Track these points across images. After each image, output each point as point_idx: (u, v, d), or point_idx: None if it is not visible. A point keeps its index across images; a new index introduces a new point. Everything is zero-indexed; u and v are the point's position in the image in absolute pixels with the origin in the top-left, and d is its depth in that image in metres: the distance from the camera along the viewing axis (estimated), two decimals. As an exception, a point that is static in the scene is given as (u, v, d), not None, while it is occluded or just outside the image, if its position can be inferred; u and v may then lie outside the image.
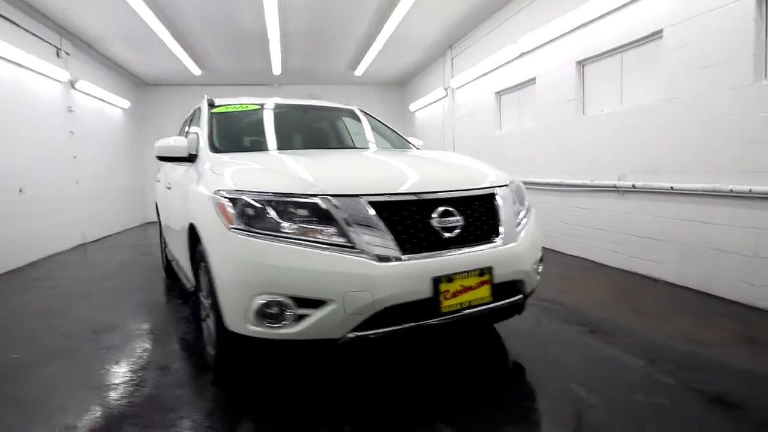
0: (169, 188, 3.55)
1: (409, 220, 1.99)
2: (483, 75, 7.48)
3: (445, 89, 9.15)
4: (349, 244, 1.85)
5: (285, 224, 1.89)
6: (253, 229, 1.89)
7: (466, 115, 8.26)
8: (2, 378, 2.43)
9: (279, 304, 1.84)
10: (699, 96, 3.61)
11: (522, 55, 6.22)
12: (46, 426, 1.95)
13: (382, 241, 1.88)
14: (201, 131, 3.02)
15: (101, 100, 8.42)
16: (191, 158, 2.92)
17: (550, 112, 5.67)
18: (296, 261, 1.82)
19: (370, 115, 3.88)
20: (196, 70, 9.24)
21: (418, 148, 3.49)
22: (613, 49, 4.60)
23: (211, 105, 3.33)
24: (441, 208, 2.06)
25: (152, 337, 3.03)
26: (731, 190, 3.33)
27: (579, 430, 1.84)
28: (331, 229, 1.87)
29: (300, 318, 1.85)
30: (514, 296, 2.25)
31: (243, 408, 2.06)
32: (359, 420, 1.95)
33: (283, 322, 1.86)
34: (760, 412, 1.94)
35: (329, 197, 1.91)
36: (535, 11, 5.82)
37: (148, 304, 3.84)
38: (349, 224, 1.87)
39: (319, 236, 1.87)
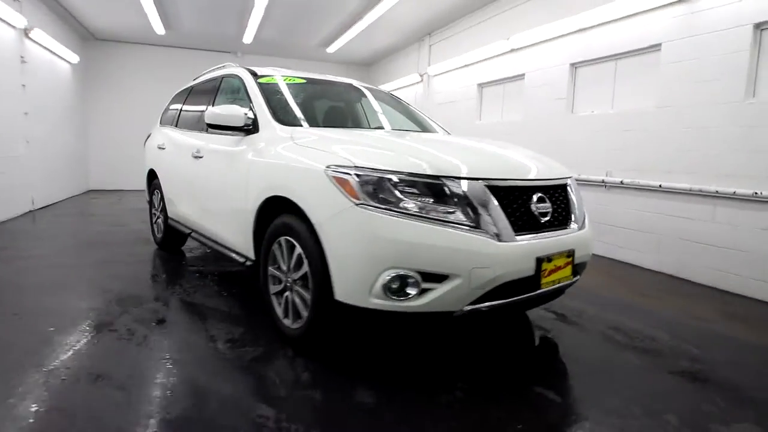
0: (199, 157, 3.39)
1: (515, 204, 2.15)
2: (466, 66, 7.72)
3: (421, 75, 9.30)
4: (473, 224, 1.98)
5: (414, 203, 1.97)
6: (383, 206, 1.96)
7: (445, 102, 8.49)
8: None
9: (407, 278, 1.94)
10: (691, 107, 4.11)
11: (512, 51, 6.52)
12: None
13: (500, 222, 2.03)
14: (256, 102, 2.93)
15: (52, 52, 7.54)
16: (247, 129, 2.84)
17: (539, 108, 6.04)
18: (427, 238, 1.92)
19: (400, 100, 3.96)
20: (160, 29, 8.55)
21: (449, 133, 3.62)
22: (609, 56, 5.01)
23: (255, 75, 3.22)
24: (538, 195, 2.25)
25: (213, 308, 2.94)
26: (716, 192, 3.85)
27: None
28: (457, 210, 1.98)
29: (424, 291, 1.95)
30: (575, 277, 2.51)
31: (348, 376, 2.14)
32: (465, 385, 2.11)
33: (408, 296, 1.95)
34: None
35: (455, 179, 2.02)
36: (528, 11, 6.13)
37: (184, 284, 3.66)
38: (472, 205, 2.00)
39: (446, 216, 1.97)
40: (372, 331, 2.66)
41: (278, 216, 2.47)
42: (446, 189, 2.01)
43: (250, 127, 2.85)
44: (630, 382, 2.24)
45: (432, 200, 1.99)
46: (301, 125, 2.82)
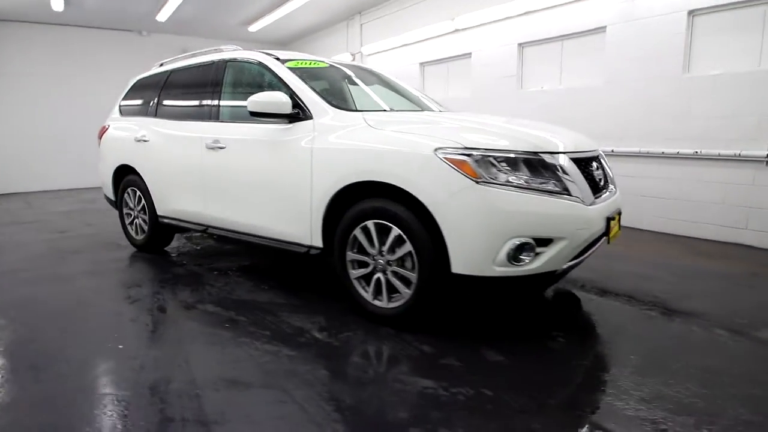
0: (219, 147, 3.19)
1: (585, 173, 2.46)
2: (405, 45, 7.92)
3: (353, 54, 9.28)
4: (567, 192, 2.24)
5: (523, 177, 2.17)
6: (500, 182, 2.13)
7: (384, 82, 8.61)
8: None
9: (525, 245, 2.15)
10: (636, 81, 4.81)
11: (456, 31, 6.87)
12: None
13: (585, 189, 2.32)
14: (298, 88, 2.84)
15: None
16: (292, 116, 2.77)
17: (487, 84, 6.50)
18: (539, 207, 2.15)
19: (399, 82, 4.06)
20: (58, 4, 7.37)
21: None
22: (556, 37, 5.58)
23: (281, 60, 3.10)
24: (595, 163, 2.59)
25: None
26: (662, 153, 4.62)
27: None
28: (553, 180, 2.23)
29: (537, 255, 2.19)
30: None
31: (462, 341, 2.31)
32: (562, 335, 2.41)
33: (526, 260, 2.17)
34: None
35: (549, 154, 2.26)
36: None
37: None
38: (566, 176, 2.26)
39: (547, 186, 2.21)
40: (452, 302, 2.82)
41: (358, 201, 2.51)
42: (544, 163, 2.24)
43: (297, 114, 2.78)
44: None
45: (532, 174, 2.21)
46: (357, 109, 2.82)
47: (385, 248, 2.43)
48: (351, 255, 2.60)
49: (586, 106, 5.31)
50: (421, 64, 7.73)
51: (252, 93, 3.36)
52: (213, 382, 1.96)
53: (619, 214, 2.68)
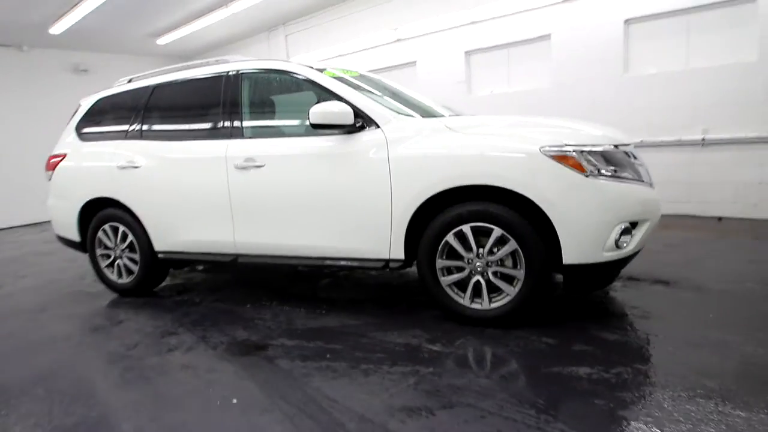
0: (256, 166, 2.90)
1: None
2: (341, 55, 7.89)
3: (279, 67, 8.96)
4: (641, 178, 2.49)
5: (611, 168, 2.36)
6: (603, 174, 2.30)
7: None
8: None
9: (626, 229, 2.34)
10: (580, 82, 5.42)
11: (399, 40, 7.04)
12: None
13: (647, 175, 2.59)
14: (353, 98, 2.71)
15: None
16: (350, 127, 2.65)
17: (436, 91, 6.74)
18: (635, 193, 2.38)
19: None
20: None
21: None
22: (503, 45, 6.04)
23: (320, 70, 2.95)
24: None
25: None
26: (613, 142, 5.26)
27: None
28: (632, 169, 2.46)
29: (632, 238, 2.39)
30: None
31: (567, 330, 2.43)
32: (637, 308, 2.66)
33: (625, 244, 2.36)
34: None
35: (623, 146, 2.49)
36: (415, 2, 6.70)
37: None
38: (634, 165, 2.49)
39: (630, 174, 2.42)
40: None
41: (448, 208, 2.49)
42: (623, 154, 2.46)
43: (356, 125, 2.66)
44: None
45: (616, 164, 2.40)
46: (416, 115, 2.77)
47: (484, 250, 2.45)
48: (441, 262, 2.56)
49: (535, 107, 5.83)
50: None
51: (288, 106, 3.18)
52: (389, 414, 1.80)
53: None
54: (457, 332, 2.50)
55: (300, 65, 2.98)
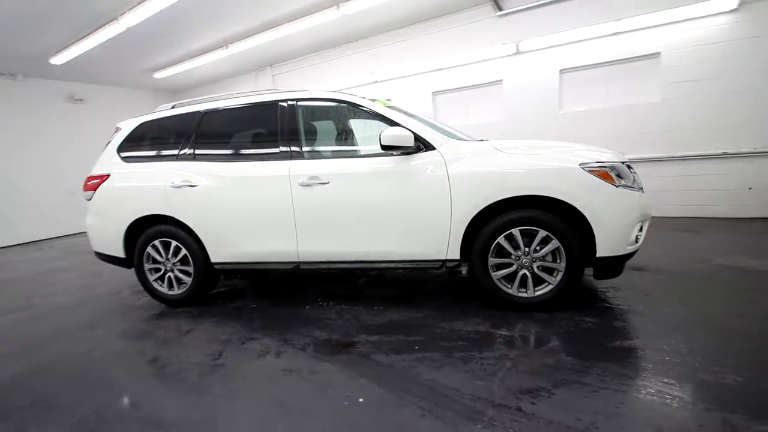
0: (321, 183, 2.60)
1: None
2: (324, 93, 7.55)
3: (266, 101, 8.41)
4: (641, 187, 2.56)
5: (627, 179, 2.39)
6: (625, 185, 2.32)
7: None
8: None
9: (641, 227, 2.38)
10: (527, 118, 5.63)
11: (376, 82, 6.89)
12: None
13: (641, 185, 2.67)
14: (409, 124, 2.53)
15: None
16: (409, 149, 2.47)
17: (408, 123, 6.69)
18: (644, 199, 2.42)
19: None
20: None
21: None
22: (463, 87, 6.12)
23: (372, 100, 2.72)
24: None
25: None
26: (552, 162, 5.50)
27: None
28: (635, 179, 2.51)
29: (641, 233, 2.44)
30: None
31: (603, 311, 2.41)
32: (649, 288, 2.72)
33: (640, 238, 2.40)
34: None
35: (627, 162, 2.53)
36: (392, 50, 6.59)
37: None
38: (635, 175, 2.56)
39: (635, 184, 2.48)
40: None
41: (499, 214, 2.39)
42: (628, 168, 2.51)
43: (419, 147, 2.48)
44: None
45: (627, 177, 2.45)
46: (464, 139, 2.65)
47: (531, 249, 2.37)
48: (492, 260, 2.44)
49: (488, 136, 5.94)
50: (341, 107, 7.48)
51: (345, 132, 2.94)
52: (514, 397, 1.63)
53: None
54: (509, 317, 2.39)
55: (354, 96, 2.73)
